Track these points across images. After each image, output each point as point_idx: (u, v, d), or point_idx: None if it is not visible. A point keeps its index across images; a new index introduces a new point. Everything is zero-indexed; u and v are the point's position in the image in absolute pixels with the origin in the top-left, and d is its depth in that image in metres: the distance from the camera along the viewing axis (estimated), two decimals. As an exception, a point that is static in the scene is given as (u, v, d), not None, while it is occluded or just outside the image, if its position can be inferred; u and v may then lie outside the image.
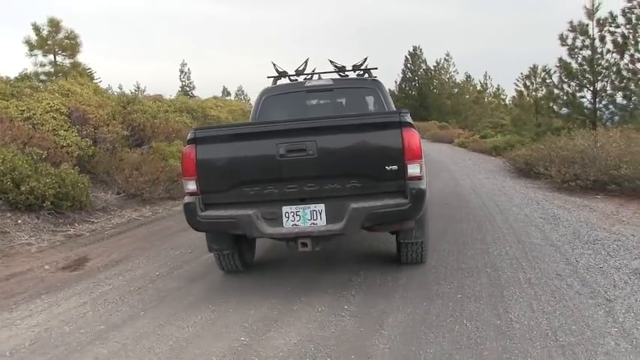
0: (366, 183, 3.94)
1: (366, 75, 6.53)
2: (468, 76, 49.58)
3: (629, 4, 15.42)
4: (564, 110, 17.64)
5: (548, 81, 19.80)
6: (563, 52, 17.41)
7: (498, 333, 3.24)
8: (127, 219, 8.79)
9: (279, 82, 6.60)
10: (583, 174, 8.85)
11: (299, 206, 4.00)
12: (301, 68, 6.56)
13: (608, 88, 16.32)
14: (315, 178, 3.95)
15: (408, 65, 51.94)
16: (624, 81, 15.61)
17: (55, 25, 15.70)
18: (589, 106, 17.00)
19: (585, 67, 17.01)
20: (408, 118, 3.97)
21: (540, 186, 9.98)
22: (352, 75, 6.57)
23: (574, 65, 17.30)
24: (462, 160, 17.99)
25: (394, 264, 4.86)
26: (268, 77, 6.67)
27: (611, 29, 15.97)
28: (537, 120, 20.92)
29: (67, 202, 8.22)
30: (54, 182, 7.97)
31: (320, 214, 3.97)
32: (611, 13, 15.95)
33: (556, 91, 18.44)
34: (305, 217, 3.99)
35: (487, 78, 47.29)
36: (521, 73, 25.70)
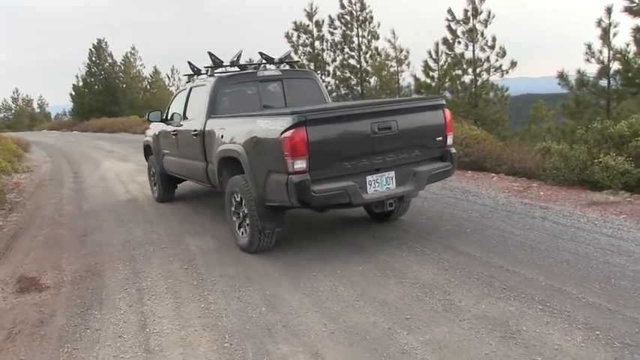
0: (423, 151, 5.20)
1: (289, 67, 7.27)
2: (156, 71, 49.32)
3: (342, 11, 19.32)
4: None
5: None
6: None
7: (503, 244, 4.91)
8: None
9: (216, 72, 6.76)
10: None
11: (376, 175, 4.91)
12: (235, 59, 6.93)
13: (329, 80, 20.10)
14: (394, 150, 4.96)
15: (93, 59, 47.96)
16: (343, 74, 19.52)
17: None
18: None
19: (309, 62, 20.44)
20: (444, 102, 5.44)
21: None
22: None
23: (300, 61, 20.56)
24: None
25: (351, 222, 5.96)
26: (205, 67, 6.92)
27: (331, 30, 19.67)
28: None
29: None
30: None
31: (392, 179, 4.98)
32: (329, 17, 19.62)
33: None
34: (382, 183, 4.94)
35: (175, 72, 47.71)
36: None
